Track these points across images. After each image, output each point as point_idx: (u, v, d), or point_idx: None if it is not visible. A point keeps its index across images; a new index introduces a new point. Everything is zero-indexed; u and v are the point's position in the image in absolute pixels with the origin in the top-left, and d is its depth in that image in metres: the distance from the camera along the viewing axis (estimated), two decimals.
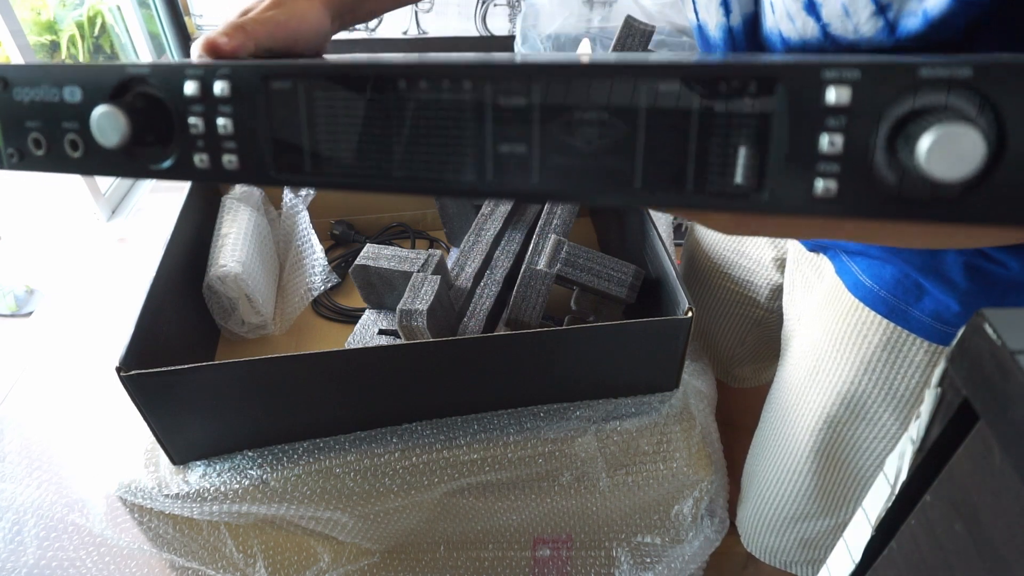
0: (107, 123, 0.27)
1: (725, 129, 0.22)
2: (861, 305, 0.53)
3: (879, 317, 0.52)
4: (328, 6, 0.45)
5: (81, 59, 2.29)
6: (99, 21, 2.34)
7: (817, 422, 0.59)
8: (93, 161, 0.30)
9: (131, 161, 0.29)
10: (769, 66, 0.21)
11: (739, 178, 0.23)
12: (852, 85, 0.21)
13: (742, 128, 0.22)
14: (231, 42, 0.38)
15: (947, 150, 0.19)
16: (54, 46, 2.31)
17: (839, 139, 0.21)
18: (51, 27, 2.29)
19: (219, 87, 0.27)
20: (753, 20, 0.42)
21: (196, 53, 0.39)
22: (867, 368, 0.54)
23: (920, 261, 0.49)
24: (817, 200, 0.22)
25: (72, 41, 2.28)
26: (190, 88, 0.27)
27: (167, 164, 0.29)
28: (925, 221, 0.22)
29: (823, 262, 0.58)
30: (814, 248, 0.59)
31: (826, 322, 0.57)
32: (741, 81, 0.22)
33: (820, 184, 0.22)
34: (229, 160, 0.28)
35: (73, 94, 0.29)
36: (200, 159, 0.28)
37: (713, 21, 0.44)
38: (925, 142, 0.19)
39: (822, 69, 0.21)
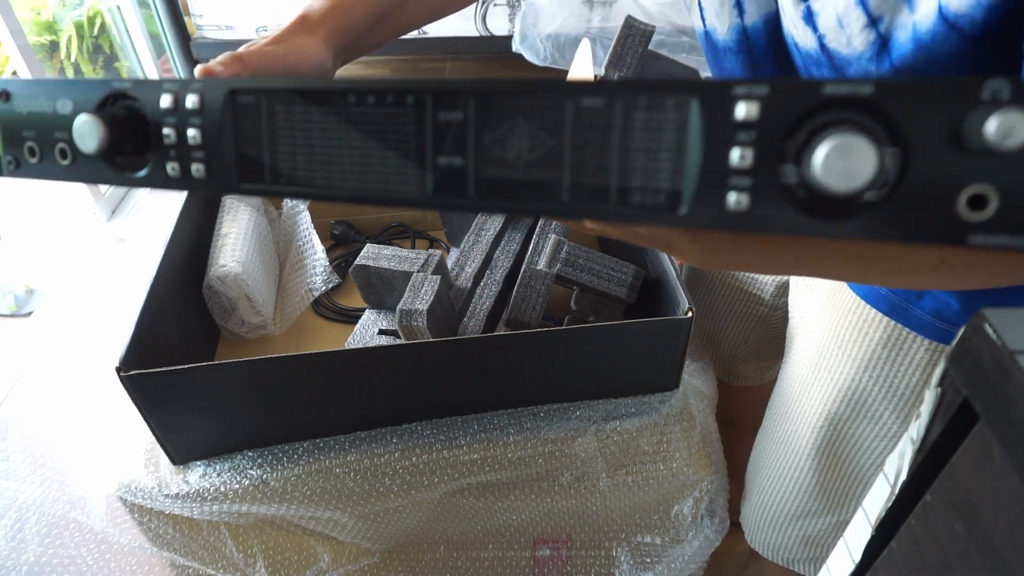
0: (87, 130, 0.30)
1: (644, 145, 0.23)
2: (862, 303, 0.53)
3: (880, 315, 0.52)
4: (329, 43, 0.46)
5: (80, 59, 2.29)
6: (99, 21, 2.34)
7: (819, 419, 0.60)
8: (80, 168, 0.32)
9: (112, 169, 0.32)
10: (683, 83, 0.22)
11: (658, 192, 0.24)
12: (760, 101, 0.21)
13: (660, 144, 0.23)
14: (226, 71, 0.40)
15: (840, 161, 0.20)
16: (54, 46, 2.31)
17: (749, 153, 0.22)
18: (51, 27, 2.29)
19: (190, 100, 0.29)
20: (775, 19, 0.42)
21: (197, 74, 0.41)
22: (868, 366, 0.54)
23: None
24: (731, 214, 0.23)
25: (71, 41, 2.28)
26: (165, 101, 0.30)
27: (143, 172, 0.31)
28: (832, 237, 0.22)
29: None
30: None
31: (828, 320, 0.57)
32: (658, 98, 0.23)
33: (733, 197, 0.23)
34: (197, 169, 0.30)
35: (64, 106, 0.32)
36: (172, 168, 0.31)
37: (724, 24, 0.44)
38: (820, 153, 0.20)
39: (733, 86, 0.22)
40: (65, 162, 0.32)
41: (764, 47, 0.43)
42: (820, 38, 0.42)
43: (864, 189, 0.20)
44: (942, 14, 0.32)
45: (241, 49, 0.43)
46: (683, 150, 0.23)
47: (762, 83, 0.21)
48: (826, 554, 0.68)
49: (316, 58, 0.45)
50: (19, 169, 0.34)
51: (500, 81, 0.25)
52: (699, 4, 0.46)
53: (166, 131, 0.30)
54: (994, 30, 0.32)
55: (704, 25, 0.47)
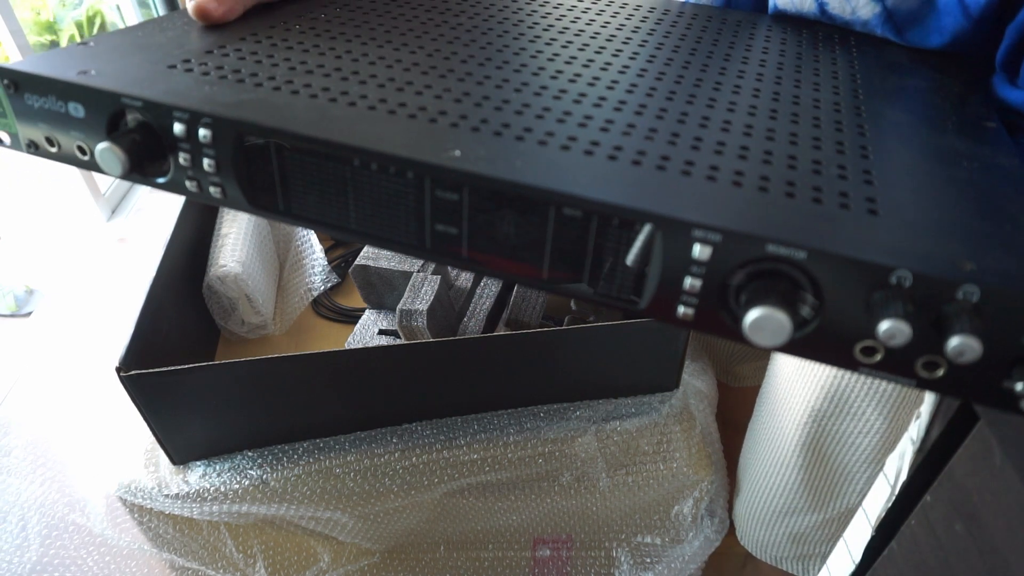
0: (109, 158, 0.30)
1: (615, 250, 0.27)
2: None
3: None
4: None
5: None
6: (99, 20, 2.34)
7: (803, 416, 0.60)
8: (98, 165, 0.32)
9: (140, 176, 0.33)
10: (652, 216, 0.26)
11: (623, 289, 0.28)
12: (713, 246, 0.25)
13: (628, 255, 0.27)
14: (220, 7, 0.40)
15: (763, 327, 0.24)
16: (54, 46, 2.31)
17: (698, 283, 0.26)
18: (51, 27, 2.28)
19: (202, 134, 0.30)
20: None
21: (192, 13, 0.40)
22: None
23: None
24: (679, 320, 0.27)
25: (72, 41, 2.28)
26: (178, 129, 0.30)
27: (163, 180, 0.33)
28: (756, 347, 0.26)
29: None
30: None
31: None
32: (628, 223, 0.26)
33: (682, 309, 0.27)
34: (214, 191, 0.32)
35: (77, 110, 0.32)
36: (190, 185, 0.32)
37: None
38: (748, 318, 0.24)
39: (692, 228, 0.25)
40: (85, 158, 0.33)
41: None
42: (822, 5, 0.42)
43: (780, 346, 0.25)
44: None
45: None
46: (646, 264, 0.27)
47: (717, 231, 0.25)
48: (814, 551, 0.68)
49: None
50: (39, 151, 0.35)
51: (492, 179, 0.27)
52: None
53: (183, 156, 0.31)
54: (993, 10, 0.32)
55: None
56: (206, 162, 0.31)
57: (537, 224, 0.28)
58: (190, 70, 0.34)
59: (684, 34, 0.45)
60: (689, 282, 0.26)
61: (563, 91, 0.35)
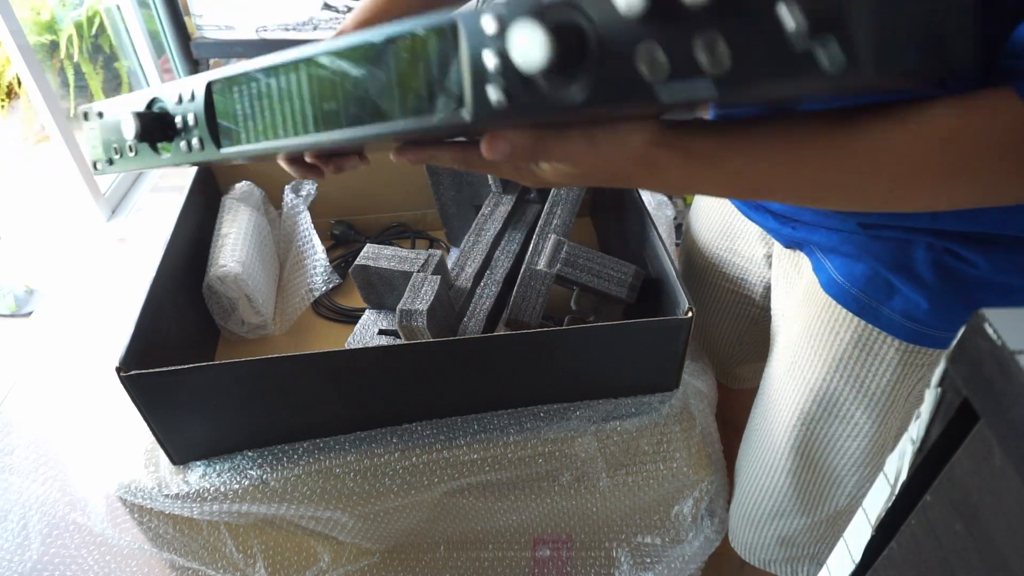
0: (127, 125, 0.43)
1: (440, 66, 0.31)
2: (834, 303, 0.54)
3: (851, 315, 0.52)
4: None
5: (80, 59, 2.29)
6: (98, 21, 2.34)
7: (792, 419, 0.60)
8: (140, 159, 0.47)
9: (155, 153, 0.46)
10: (450, 17, 0.30)
11: (450, 102, 0.31)
12: (496, 15, 0.28)
13: (447, 63, 0.31)
14: None
15: (519, 42, 0.26)
16: (54, 46, 2.31)
17: (495, 57, 0.28)
18: (51, 27, 2.28)
19: (186, 93, 0.42)
20: None
21: None
22: (839, 366, 0.55)
23: (890, 259, 0.49)
24: (496, 110, 0.29)
25: (71, 41, 2.28)
26: (174, 96, 0.43)
27: (169, 155, 0.45)
28: (561, 113, 0.28)
29: (801, 259, 0.58)
30: (790, 245, 0.59)
31: (803, 319, 0.57)
32: (441, 31, 0.30)
33: (493, 95, 0.29)
34: (195, 143, 0.43)
35: (128, 114, 0.45)
36: (184, 144, 0.43)
37: None
38: (510, 38, 0.26)
39: (480, 14, 0.28)
40: (132, 155, 0.47)
41: None
42: None
43: (545, 71, 0.26)
44: None
45: None
46: (459, 65, 0.30)
47: (500, 4, 0.27)
48: (801, 554, 0.68)
49: None
50: (111, 166, 0.49)
51: (345, 42, 0.35)
52: None
53: (178, 119, 0.43)
54: None
55: None
56: (189, 118, 0.42)
57: (383, 66, 0.33)
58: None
59: None
60: (490, 59, 0.29)
61: None
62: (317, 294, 0.86)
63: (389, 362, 0.62)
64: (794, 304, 0.60)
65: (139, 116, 0.43)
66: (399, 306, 0.65)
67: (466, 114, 0.30)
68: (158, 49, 2.34)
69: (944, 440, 0.27)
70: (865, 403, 0.55)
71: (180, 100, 0.42)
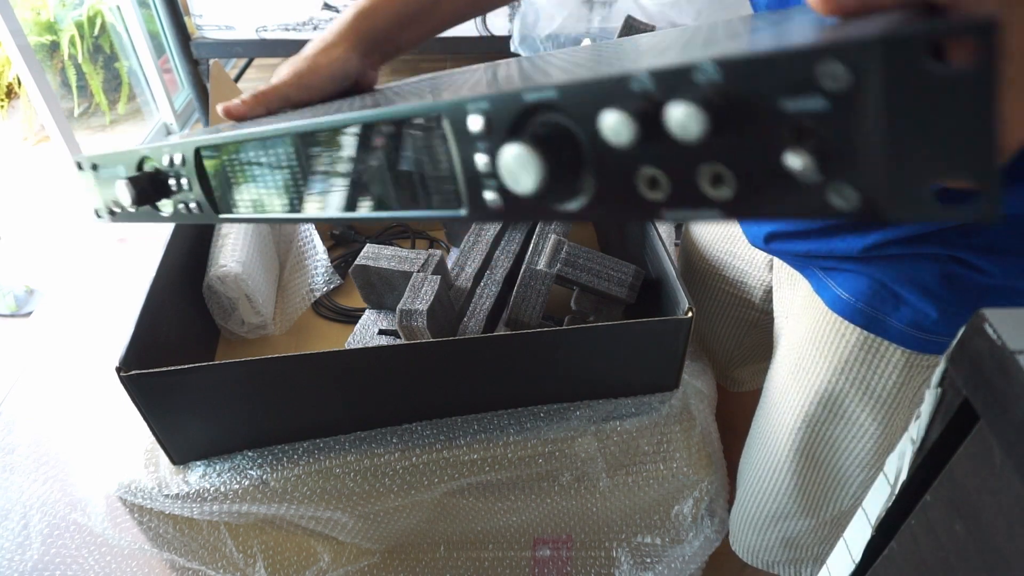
0: (122, 192, 0.40)
1: (429, 156, 0.29)
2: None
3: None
4: (355, 49, 0.52)
5: (80, 59, 2.29)
6: (99, 21, 2.34)
7: (797, 421, 0.60)
8: (140, 214, 0.44)
9: (155, 211, 0.43)
10: (434, 106, 0.27)
11: (445, 197, 0.29)
12: (483, 115, 0.25)
13: (437, 155, 0.28)
14: (243, 108, 0.48)
15: (510, 166, 0.23)
16: (54, 46, 2.31)
17: (486, 158, 0.26)
18: (51, 27, 2.28)
19: (177, 158, 0.40)
20: None
21: (220, 113, 0.50)
22: (844, 368, 0.54)
23: (895, 272, 0.49)
24: (492, 211, 0.27)
25: (72, 41, 2.28)
26: (165, 160, 0.41)
27: (167, 213, 0.43)
28: (559, 220, 0.26)
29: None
30: (790, 264, 0.59)
31: (808, 320, 0.57)
32: (426, 120, 0.28)
33: (489, 196, 0.27)
34: (192, 207, 0.41)
35: (121, 171, 0.43)
36: (181, 207, 0.42)
37: None
38: (499, 160, 0.24)
39: (467, 103, 0.26)
40: (133, 211, 0.44)
41: None
42: None
43: (535, 195, 0.24)
44: None
45: (266, 87, 0.50)
46: (451, 159, 0.28)
47: (484, 99, 0.25)
48: (805, 556, 0.68)
49: (334, 70, 0.51)
50: (114, 217, 0.46)
51: (323, 123, 0.32)
52: None
53: (171, 181, 0.41)
54: None
55: None
56: (183, 182, 0.40)
57: (370, 150, 0.31)
58: (203, 135, 0.43)
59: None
60: (481, 160, 0.26)
61: None
62: (318, 294, 0.86)
63: (389, 362, 0.62)
64: (797, 307, 0.60)
65: (133, 182, 0.40)
66: (399, 306, 0.65)
67: (463, 212, 0.29)
68: (158, 49, 2.34)
69: (944, 440, 0.27)
70: (870, 405, 0.54)
71: (171, 163, 0.40)
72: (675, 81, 0.21)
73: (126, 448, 0.67)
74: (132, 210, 0.44)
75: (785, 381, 0.61)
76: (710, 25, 0.39)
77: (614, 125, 0.22)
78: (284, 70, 0.51)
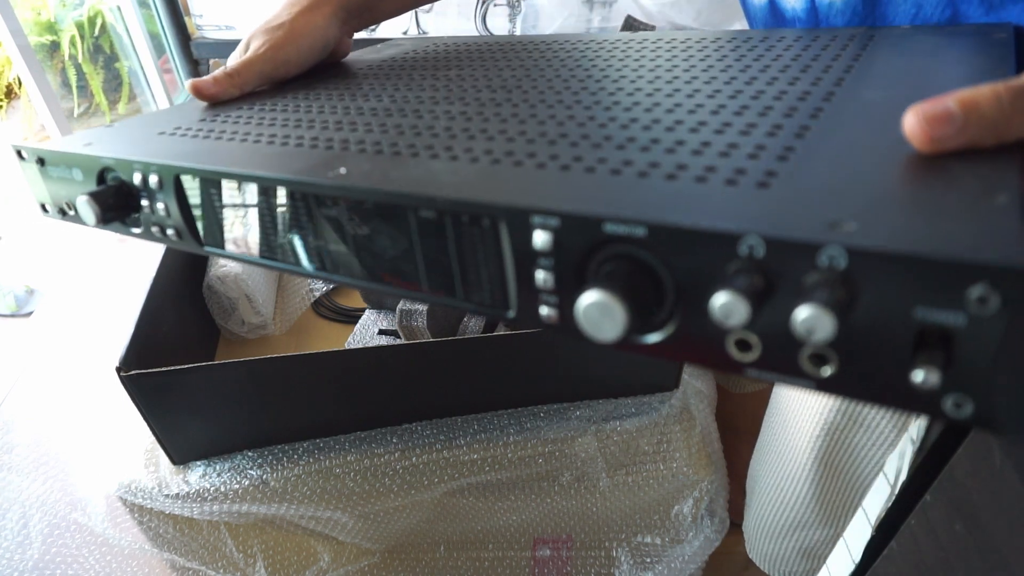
0: (84, 208, 0.35)
1: (473, 253, 0.26)
2: None
3: None
4: (334, 16, 0.48)
5: (81, 60, 2.29)
6: (99, 21, 2.34)
7: (815, 429, 0.59)
8: (109, 227, 0.39)
9: (122, 225, 0.38)
10: (490, 206, 0.24)
11: (493, 294, 0.26)
12: (552, 232, 0.23)
13: (485, 254, 0.25)
14: (214, 87, 0.44)
15: (591, 316, 0.21)
16: (54, 46, 2.31)
17: (550, 277, 0.24)
18: (51, 27, 2.29)
19: (152, 180, 0.34)
20: None
21: (187, 89, 0.45)
22: None
23: None
24: (547, 324, 0.25)
25: (72, 41, 2.28)
26: (136, 179, 0.35)
27: (138, 231, 0.37)
28: (638, 353, 0.24)
29: None
30: None
31: None
32: (474, 216, 0.25)
33: (545, 311, 0.25)
34: (171, 234, 0.36)
35: (77, 175, 0.38)
36: (156, 230, 0.36)
37: None
38: (577, 307, 0.21)
39: (530, 215, 0.23)
40: (96, 227, 0.38)
41: (860, 16, 0.43)
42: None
43: (613, 342, 0.22)
44: None
45: (235, 63, 0.45)
46: (503, 264, 0.25)
47: (555, 215, 0.22)
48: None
49: (313, 39, 0.47)
50: (65, 217, 0.41)
51: (355, 189, 0.28)
52: None
53: (144, 202, 0.36)
54: None
55: None
56: (159, 207, 0.35)
57: (405, 232, 0.27)
58: (174, 134, 0.38)
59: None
60: (542, 277, 0.24)
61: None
62: (317, 294, 0.86)
63: (389, 362, 0.62)
64: None
65: (97, 199, 0.35)
66: (399, 306, 0.65)
67: (511, 315, 0.26)
68: (158, 49, 2.34)
69: (944, 440, 0.27)
70: (889, 412, 0.54)
71: (144, 183, 0.35)
72: (795, 258, 0.19)
73: (126, 448, 0.67)
74: (95, 227, 0.38)
75: None
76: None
77: (726, 306, 0.19)
78: (258, 41, 0.46)
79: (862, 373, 0.20)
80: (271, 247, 0.33)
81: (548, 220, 0.23)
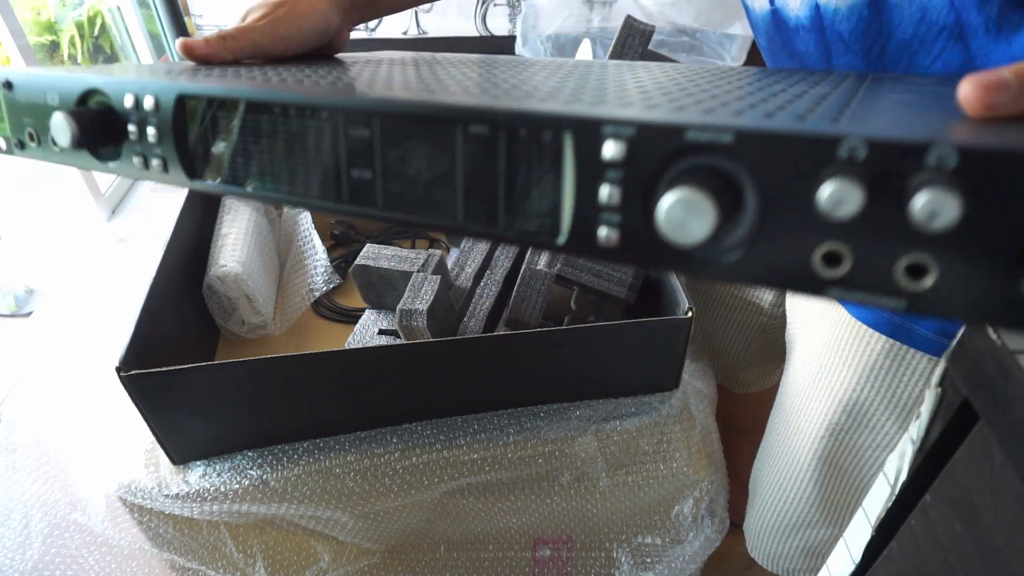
0: (59, 127, 0.32)
1: (526, 173, 0.24)
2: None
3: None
4: (337, 2, 0.47)
5: (80, 59, 2.29)
6: (99, 21, 2.34)
7: (820, 429, 0.59)
8: (68, 155, 0.36)
9: (94, 157, 0.35)
10: (560, 118, 0.23)
11: (540, 219, 0.24)
12: (627, 141, 0.21)
13: (540, 173, 0.24)
14: (205, 48, 0.42)
15: (677, 216, 0.20)
16: (54, 46, 2.31)
17: (617, 192, 0.22)
18: (51, 27, 2.28)
19: (147, 101, 0.32)
20: None
21: (177, 48, 0.43)
22: (869, 376, 0.54)
23: None
24: (602, 247, 0.23)
25: (72, 41, 2.28)
26: (128, 100, 0.33)
27: (115, 164, 0.35)
28: (694, 276, 0.22)
29: None
30: None
31: (829, 327, 0.56)
32: (536, 129, 0.23)
33: (603, 232, 0.23)
34: (155, 163, 0.33)
35: (52, 98, 0.35)
36: (138, 160, 0.34)
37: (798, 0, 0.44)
38: (661, 209, 0.20)
39: (602, 124, 0.22)
40: (56, 148, 0.35)
41: (865, 23, 0.43)
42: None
43: (701, 245, 0.21)
44: None
45: (231, 27, 0.43)
46: (560, 182, 0.23)
47: (629, 124, 0.21)
48: None
49: (315, 22, 0.46)
50: (23, 151, 0.38)
51: (399, 103, 0.26)
52: None
53: (131, 127, 0.33)
54: None
55: (772, 3, 0.47)
56: (150, 132, 0.33)
57: (446, 151, 0.25)
58: (170, 72, 0.37)
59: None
60: (606, 192, 0.22)
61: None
62: (318, 294, 0.86)
63: (389, 362, 0.62)
64: (815, 314, 0.59)
65: (77, 117, 0.32)
66: (399, 306, 0.65)
67: (560, 241, 0.24)
68: (158, 49, 2.34)
69: (944, 440, 0.27)
70: (895, 413, 0.54)
71: (137, 105, 0.33)
72: (902, 159, 0.18)
73: (126, 448, 0.67)
74: (59, 148, 0.35)
75: (807, 389, 0.60)
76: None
77: (836, 194, 0.18)
78: (258, 12, 0.45)
79: (965, 289, 0.19)
80: (281, 178, 0.30)
81: (622, 129, 0.22)
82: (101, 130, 0.33)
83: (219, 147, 0.32)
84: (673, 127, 0.21)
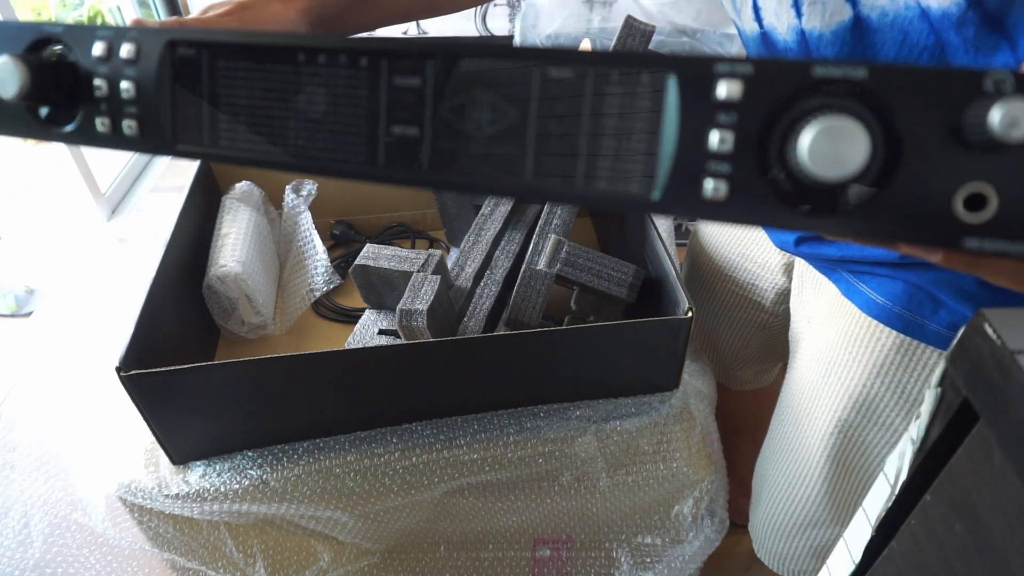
0: (6, 73, 0.27)
1: (617, 122, 0.21)
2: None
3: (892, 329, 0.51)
4: (305, 13, 0.45)
5: None
6: (99, 21, 2.34)
7: (829, 426, 0.59)
8: (3, 117, 0.30)
9: (36, 120, 0.29)
10: (661, 57, 0.20)
11: (629, 175, 0.22)
12: (744, 80, 0.20)
13: (634, 122, 0.21)
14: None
15: (829, 145, 0.18)
16: None
17: (729, 136, 0.20)
18: None
19: (125, 49, 0.27)
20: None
21: None
22: (880, 372, 0.53)
23: (933, 276, 0.48)
24: (706, 203, 0.21)
25: None
26: (98, 48, 0.27)
27: (71, 127, 0.29)
28: (814, 231, 0.21)
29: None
30: (817, 267, 0.58)
31: (838, 324, 0.56)
32: (633, 71, 0.21)
33: (710, 184, 0.21)
34: (129, 125, 0.28)
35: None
36: (102, 123, 0.28)
37: (784, 24, 0.44)
38: (807, 135, 0.18)
39: (714, 62, 0.20)
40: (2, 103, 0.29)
41: (849, 48, 0.43)
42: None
43: (853, 178, 0.19)
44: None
45: (189, 16, 0.41)
46: (658, 130, 0.21)
47: (746, 62, 0.20)
48: None
49: (282, 27, 0.44)
50: None
51: (462, 43, 0.23)
52: (755, 5, 0.46)
53: (97, 82, 0.28)
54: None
55: (762, 26, 0.47)
56: (124, 86, 0.27)
57: (517, 99, 0.22)
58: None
59: None
60: (717, 138, 0.20)
61: None
62: (318, 294, 0.86)
63: (389, 362, 0.62)
64: (823, 311, 0.59)
65: (28, 62, 0.26)
66: (399, 306, 0.65)
67: (655, 196, 0.21)
68: None
69: (944, 440, 0.27)
70: (906, 409, 0.53)
71: (108, 55, 0.27)
72: None
73: (126, 448, 0.67)
74: (6, 105, 0.28)
75: (814, 386, 0.60)
76: None
77: (1009, 114, 0.17)
78: (221, 9, 0.42)
79: None
80: (299, 141, 0.26)
81: (738, 67, 0.20)
82: (56, 87, 0.28)
83: (216, 105, 0.27)
84: (798, 63, 0.19)
